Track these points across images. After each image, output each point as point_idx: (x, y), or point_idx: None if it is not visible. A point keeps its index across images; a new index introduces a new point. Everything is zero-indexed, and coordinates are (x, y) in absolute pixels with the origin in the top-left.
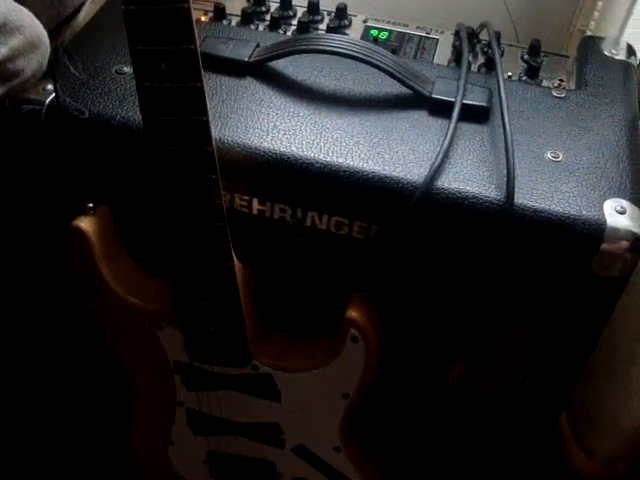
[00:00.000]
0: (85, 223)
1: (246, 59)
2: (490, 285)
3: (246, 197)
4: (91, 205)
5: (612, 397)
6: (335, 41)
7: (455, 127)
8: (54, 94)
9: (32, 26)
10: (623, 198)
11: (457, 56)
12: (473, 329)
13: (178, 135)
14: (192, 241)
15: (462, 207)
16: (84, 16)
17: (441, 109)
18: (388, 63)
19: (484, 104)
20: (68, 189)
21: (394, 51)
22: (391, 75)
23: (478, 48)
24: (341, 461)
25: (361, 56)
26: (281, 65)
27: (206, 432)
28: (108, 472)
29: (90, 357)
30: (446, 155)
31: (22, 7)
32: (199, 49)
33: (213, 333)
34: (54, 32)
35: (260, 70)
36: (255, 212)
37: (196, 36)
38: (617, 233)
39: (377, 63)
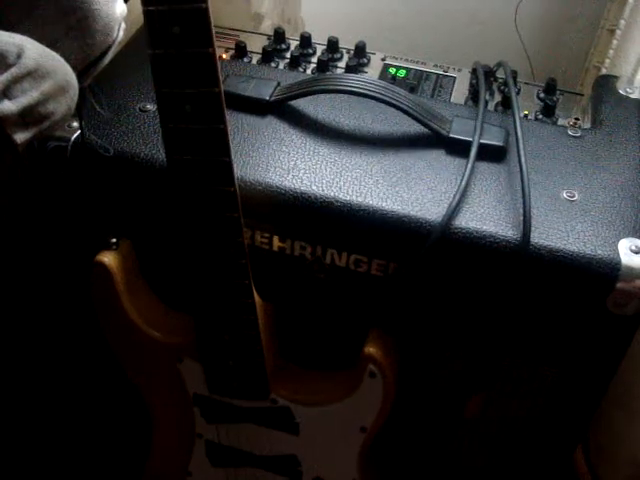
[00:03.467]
0: (108, 258)
1: (267, 98)
2: (506, 323)
3: (267, 234)
4: (114, 240)
5: (629, 434)
6: (353, 81)
7: (472, 167)
8: (79, 131)
9: (62, 70)
10: (638, 237)
11: (474, 94)
12: (489, 366)
13: (201, 175)
14: (213, 277)
15: (479, 246)
16: (110, 57)
17: (458, 148)
18: (406, 102)
19: (501, 144)
20: (92, 224)
21: (412, 89)
22: (409, 114)
23: (495, 86)
24: None
25: (379, 96)
26: (301, 104)
27: (224, 464)
28: None
29: (112, 385)
30: (463, 194)
31: (54, 52)
32: (224, 88)
33: (233, 367)
34: (82, 74)
35: (281, 109)
36: (276, 249)
37: (220, 80)
38: (632, 272)
39: (395, 102)
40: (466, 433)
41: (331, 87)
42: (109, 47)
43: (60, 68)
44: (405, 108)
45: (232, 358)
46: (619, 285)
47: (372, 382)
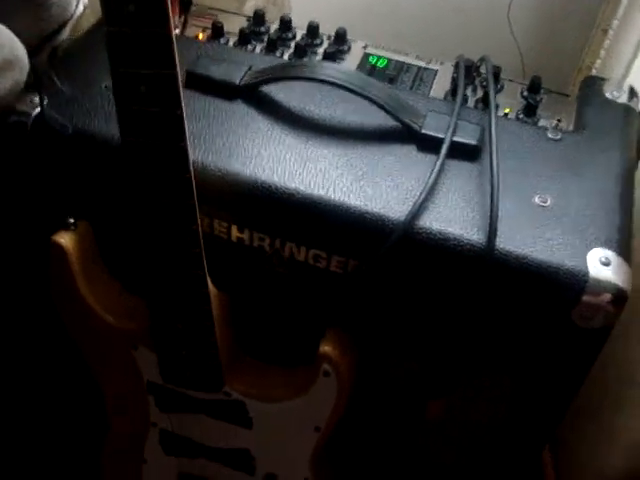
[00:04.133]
0: (65, 238)
1: (237, 82)
2: (467, 329)
3: (225, 223)
4: (72, 221)
5: (597, 442)
6: (327, 70)
7: (442, 165)
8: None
9: (10, 45)
10: (609, 249)
11: (455, 89)
12: (448, 371)
13: (155, 159)
14: (167, 264)
15: (442, 248)
16: (69, 32)
17: (430, 145)
18: (378, 94)
19: (474, 142)
20: (50, 203)
21: (391, 80)
22: (380, 106)
23: (478, 82)
24: None
25: (349, 86)
26: (272, 90)
27: (177, 453)
28: None
29: (71, 369)
30: (430, 193)
31: (1, 26)
32: (194, 69)
33: (186, 357)
34: (37, 49)
35: (251, 94)
36: (234, 239)
37: (177, 62)
38: (599, 285)
39: (365, 94)
40: (430, 433)
41: (301, 74)
42: (66, 21)
43: (7, 42)
44: (376, 100)
45: (185, 348)
46: (585, 298)
47: (326, 381)
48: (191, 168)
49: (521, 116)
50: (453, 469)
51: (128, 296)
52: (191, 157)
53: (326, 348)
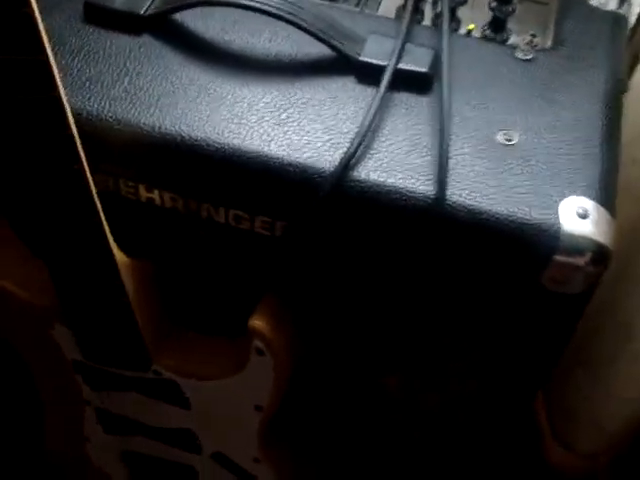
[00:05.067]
0: None
1: (141, 12)
2: (418, 297)
3: (131, 183)
4: None
5: (593, 395)
6: None
7: (382, 99)
8: None
9: None
10: (587, 197)
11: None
12: (402, 340)
13: (29, 115)
14: (62, 229)
15: (382, 203)
16: None
17: (371, 75)
18: (306, 18)
19: (424, 70)
20: None
21: None
22: (309, 33)
23: None
24: (263, 472)
25: (271, 10)
26: (186, 19)
27: (117, 431)
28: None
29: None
30: (367, 136)
31: None
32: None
33: (105, 334)
34: None
35: (159, 25)
36: (143, 200)
37: None
38: (575, 241)
39: (290, 18)
40: (398, 407)
41: None
42: None
43: None
44: (302, 24)
45: (101, 324)
46: (557, 258)
47: (261, 359)
48: (71, 123)
49: (487, 33)
50: (443, 435)
51: (39, 266)
52: (85, 106)
53: (257, 323)
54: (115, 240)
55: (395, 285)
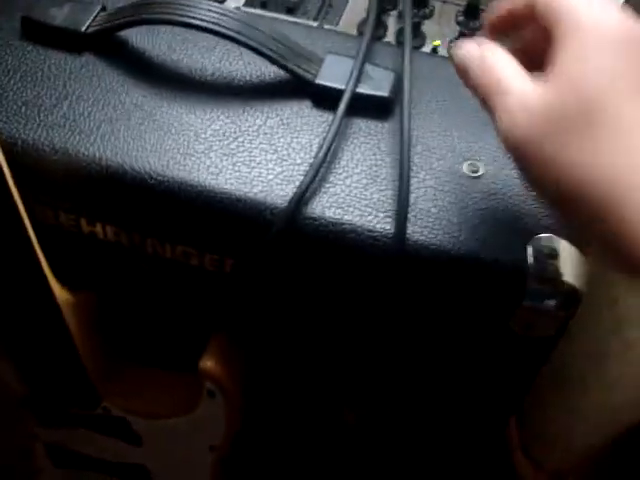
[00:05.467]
0: None
1: (83, 29)
2: (378, 333)
3: (72, 215)
4: None
5: (562, 416)
6: (194, 9)
7: (338, 128)
8: None
9: None
10: (556, 234)
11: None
12: (360, 378)
13: None
14: None
15: (338, 242)
16: None
17: (327, 99)
18: (257, 38)
19: (384, 94)
20: None
21: (290, 10)
22: (261, 54)
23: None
24: None
25: (220, 30)
26: (132, 37)
27: (68, 465)
28: None
29: None
30: (321, 169)
31: None
32: (31, 14)
33: (48, 371)
34: None
35: (102, 44)
36: (86, 232)
37: None
38: (544, 285)
39: (240, 38)
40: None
41: (161, 17)
42: None
43: None
44: (253, 44)
45: (43, 360)
46: (526, 303)
47: (212, 401)
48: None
49: None
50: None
51: None
52: (20, 135)
53: (207, 364)
54: (58, 272)
55: (352, 325)
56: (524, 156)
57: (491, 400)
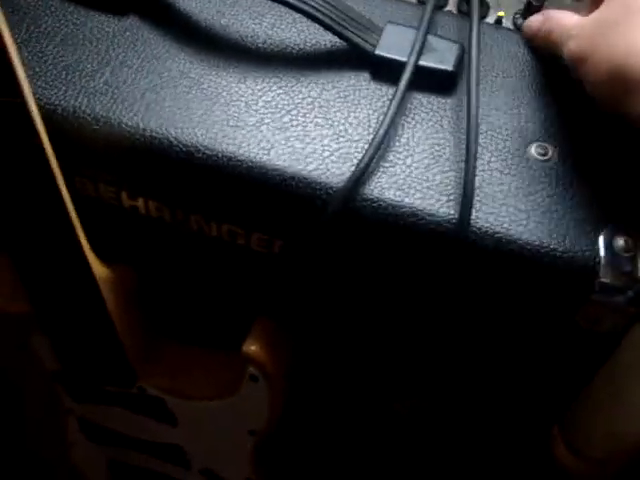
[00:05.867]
0: None
1: None
2: (435, 322)
3: (112, 188)
4: None
5: (607, 404)
6: None
7: (399, 104)
8: None
9: None
10: (633, 228)
11: None
12: (414, 369)
13: None
14: (35, 239)
15: (397, 225)
16: None
17: (387, 72)
18: (314, 2)
19: (449, 68)
20: None
21: None
22: (317, 21)
23: None
24: None
25: None
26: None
27: (103, 442)
28: None
29: None
30: (381, 147)
31: None
32: None
33: (84, 347)
34: None
35: (149, 5)
36: (127, 207)
37: None
38: (615, 280)
39: (295, 3)
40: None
41: None
42: None
43: None
44: (309, 10)
45: (79, 337)
46: (595, 297)
47: (255, 385)
48: (39, 128)
49: (520, 22)
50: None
51: (13, 270)
52: (60, 101)
53: (251, 349)
54: (96, 246)
55: (407, 313)
56: (580, 59)
57: (547, 394)
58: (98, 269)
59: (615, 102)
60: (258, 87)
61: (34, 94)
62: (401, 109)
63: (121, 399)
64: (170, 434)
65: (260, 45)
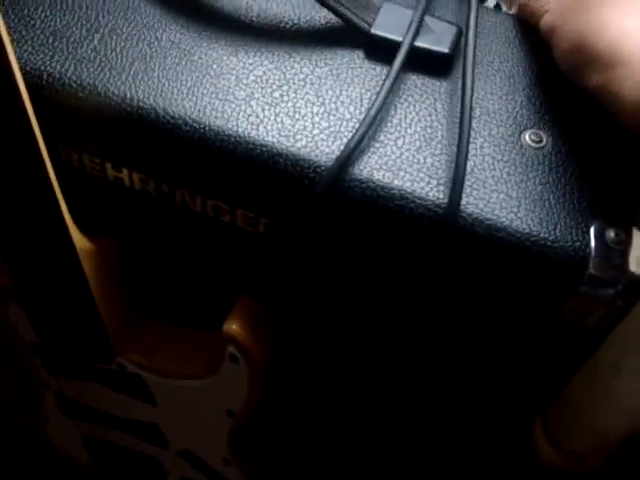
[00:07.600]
0: None
1: None
2: (420, 309)
3: (97, 159)
4: None
5: (589, 399)
6: None
7: (393, 84)
8: None
9: None
10: (625, 220)
11: None
12: (395, 358)
13: None
14: (14, 208)
15: (385, 208)
16: None
17: (382, 51)
18: None
19: (444, 50)
20: None
21: None
22: None
23: None
24: (232, 474)
25: None
26: None
27: (78, 417)
28: None
29: None
30: (373, 127)
31: None
32: None
33: (62, 319)
34: None
35: None
36: (111, 179)
37: None
38: (606, 272)
39: None
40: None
41: None
42: None
43: None
44: None
45: (58, 309)
46: (584, 289)
47: (234, 366)
48: (23, 95)
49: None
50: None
51: None
52: (46, 67)
53: (232, 328)
54: (78, 217)
55: (392, 298)
56: (551, 29)
57: (530, 386)
58: (79, 241)
59: (576, 73)
60: (249, 61)
61: (19, 59)
62: (394, 89)
63: (100, 375)
64: (149, 413)
65: (253, 19)
